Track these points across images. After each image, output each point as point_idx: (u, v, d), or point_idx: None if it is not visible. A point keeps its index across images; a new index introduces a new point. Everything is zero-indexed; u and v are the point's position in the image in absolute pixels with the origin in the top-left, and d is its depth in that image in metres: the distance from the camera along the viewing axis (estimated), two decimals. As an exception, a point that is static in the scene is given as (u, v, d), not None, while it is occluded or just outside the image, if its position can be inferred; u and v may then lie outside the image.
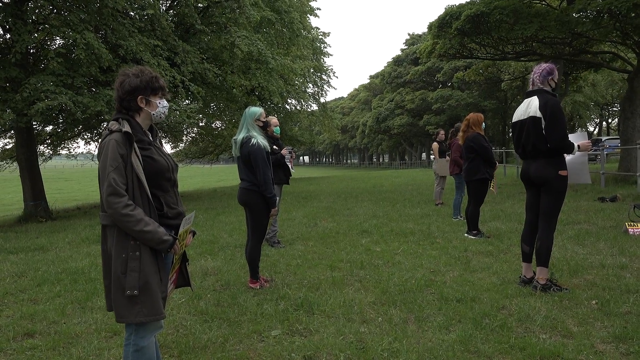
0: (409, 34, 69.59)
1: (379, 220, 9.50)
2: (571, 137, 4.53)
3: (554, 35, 15.27)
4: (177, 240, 2.59)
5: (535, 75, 4.58)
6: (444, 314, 3.93)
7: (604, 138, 36.41)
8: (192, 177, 50.87)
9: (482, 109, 48.12)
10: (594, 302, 4.08)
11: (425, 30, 25.36)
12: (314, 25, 28.88)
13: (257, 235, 4.84)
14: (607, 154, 22.56)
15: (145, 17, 13.64)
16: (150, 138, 2.68)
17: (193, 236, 2.89)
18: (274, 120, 7.11)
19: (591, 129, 62.64)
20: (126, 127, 2.50)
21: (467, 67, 34.55)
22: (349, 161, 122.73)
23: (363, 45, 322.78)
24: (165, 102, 2.70)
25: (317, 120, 33.71)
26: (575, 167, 4.68)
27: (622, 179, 14.30)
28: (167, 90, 2.87)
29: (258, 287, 4.81)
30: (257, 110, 4.91)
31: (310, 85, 31.53)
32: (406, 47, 65.60)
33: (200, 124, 23.89)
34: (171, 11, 16.96)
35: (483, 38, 16.73)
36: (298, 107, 30.62)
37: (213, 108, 22.61)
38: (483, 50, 18.60)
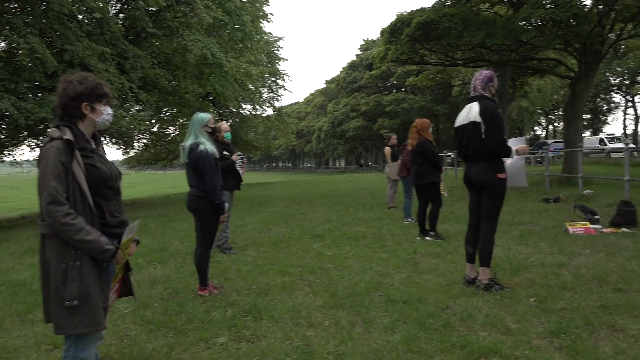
0: (363, 40, 70.40)
1: (332, 224, 9.58)
2: (510, 142, 4.71)
3: (500, 43, 15.75)
4: (119, 250, 2.56)
5: (477, 81, 4.74)
6: (390, 315, 4.01)
7: (549, 141, 37.78)
8: (145, 183, 49.87)
9: (435, 113, 49.19)
10: (532, 299, 4.25)
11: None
12: (267, 30, 28.85)
13: (206, 242, 4.81)
14: (552, 157, 23.42)
15: (94, 21, 13.33)
16: (93, 145, 2.64)
17: (137, 245, 2.86)
18: (224, 125, 7.08)
19: (539, 132, 64.94)
20: (68, 135, 2.46)
21: (420, 72, 35.26)
22: (305, 166, 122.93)
23: (319, 50, 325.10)
24: (109, 109, 2.67)
25: (273, 125, 33.62)
26: (514, 170, 4.87)
27: (566, 180, 14.87)
28: (112, 97, 2.84)
29: (207, 294, 4.78)
30: (205, 116, 4.89)
31: (265, 90, 31.46)
32: (361, 52, 66.36)
33: (153, 130, 23.49)
34: (121, 15, 16.63)
35: (433, 44, 17.12)
36: (253, 112, 30.49)
37: (166, 113, 22.25)
38: (433, 56, 19.04)
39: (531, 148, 37.36)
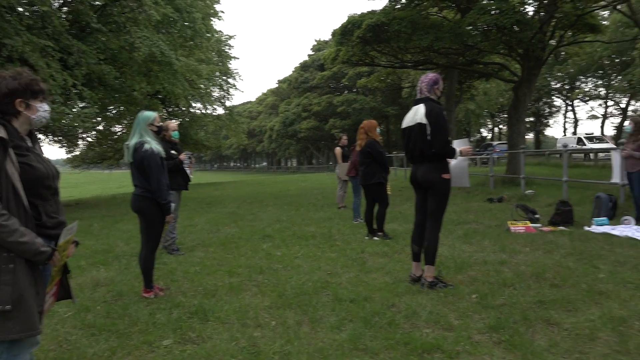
0: (315, 40, 70.78)
1: (282, 224, 9.57)
2: (454, 143, 4.85)
3: (448, 46, 16.14)
4: (56, 252, 2.48)
5: (422, 84, 4.85)
6: (337, 314, 4.05)
7: (494, 143, 39.01)
8: (90, 183, 48.36)
9: (385, 114, 49.94)
10: (474, 296, 4.38)
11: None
12: (218, 28, 28.51)
13: (151, 244, 4.72)
14: (496, 158, 24.20)
15: (36, 14, 12.79)
16: (29, 144, 2.54)
17: (76, 246, 2.77)
18: (172, 124, 6.97)
19: (485, 134, 66.96)
20: (1, 133, 2.36)
21: (371, 73, 35.72)
22: (257, 165, 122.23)
23: (271, 50, 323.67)
24: (46, 106, 2.57)
25: (224, 125, 33.24)
26: (457, 171, 5.01)
27: (509, 181, 15.38)
28: (50, 93, 2.74)
29: (152, 296, 4.69)
30: (150, 114, 4.79)
31: (216, 88, 31.08)
32: (313, 52, 66.61)
33: (99, 128, 22.79)
34: (65, 8, 16.03)
35: (383, 47, 17.37)
36: (203, 111, 30.07)
37: (112, 111, 21.61)
38: (384, 58, 19.31)
39: (477, 149, 38.57)
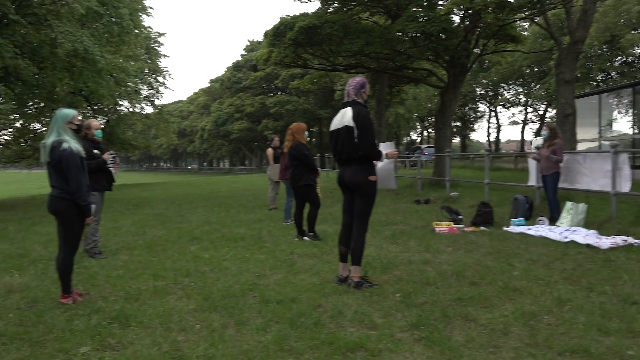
0: (248, 40, 70.24)
1: (212, 226, 9.43)
2: (381, 146, 4.97)
3: (378, 51, 16.48)
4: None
5: (350, 87, 4.94)
6: (263, 316, 4.04)
7: (423, 146, 40.23)
8: (6, 183, 45.58)
9: (318, 116, 50.33)
10: (398, 295, 4.50)
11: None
12: (147, 25, 27.71)
13: (69, 247, 4.52)
14: (424, 161, 24.96)
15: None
16: None
17: None
18: (95, 122, 6.71)
19: (415, 137, 68.95)
20: None
21: (304, 75, 35.89)
22: (188, 166, 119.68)
23: (203, 49, 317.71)
24: None
25: (153, 124, 32.37)
26: (384, 173, 5.15)
27: (436, 183, 15.90)
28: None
29: (70, 302, 4.48)
30: (69, 112, 4.59)
31: (145, 86, 30.20)
32: (246, 53, 66.08)
33: (16, 125, 21.55)
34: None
35: (316, 49, 17.47)
36: (131, 109, 29.12)
37: (31, 108, 20.48)
38: (316, 60, 19.43)
39: (406, 152, 39.62)
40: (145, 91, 30.16)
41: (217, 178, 41.26)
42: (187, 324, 3.92)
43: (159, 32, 30.90)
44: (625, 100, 19.67)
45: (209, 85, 78.71)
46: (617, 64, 38.69)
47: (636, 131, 18.15)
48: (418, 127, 65.49)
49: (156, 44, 30.69)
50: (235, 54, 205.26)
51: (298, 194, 7.80)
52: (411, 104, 44.45)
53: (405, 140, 65.94)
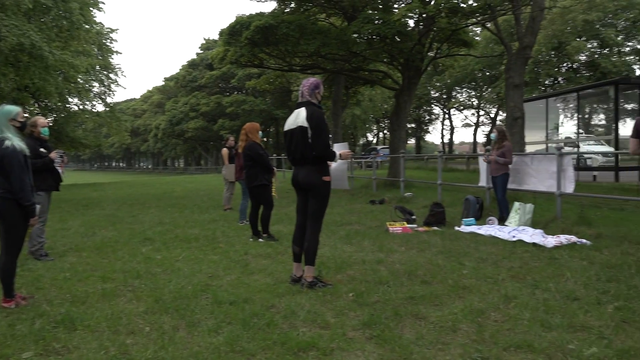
0: (204, 39, 69.31)
1: (165, 227, 9.26)
2: (334, 147, 5.00)
3: (335, 52, 16.60)
4: None
5: (304, 88, 4.95)
6: (215, 317, 3.99)
7: (379, 147, 40.72)
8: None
9: (275, 116, 50.19)
10: (351, 294, 4.54)
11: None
12: (99, 20, 26.98)
13: (11, 249, 4.34)
14: (380, 161, 25.27)
15: None
16: None
17: None
18: (41, 120, 6.48)
19: (371, 138, 69.66)
20: None
21: (260, 75, 35.75)
22: (141, 166, 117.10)
23: (157, 46, 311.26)
24: None
25: (105, 122, 31.51)
26: (337, 174, 5.19)
27: (390, 183, 16.12)
28: None
29: (13, 306, 4.31)
30: (13, 109, 4.42)
31: (96, 84, 29.39)
32: (202, 51, 65.26)
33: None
34: None
35: (272, 49, 17.43)
36: (82, 107, 28.27)
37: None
38: (272, 60, 19.40)
39: (362, 153, 39.97)
40: (96, 88, 29.36)
41: (171, 178, 40.57)
42: (137, 326, 3.84)
43: (110, 28, 30.09)
44: (571, 105, 20.48)
45: (163, 83, 77.26)
46: (563, 69, 40.24)
47: (581, 134, 18.92)
48: (374, 128, 66.24)
49: (108, 40, 29.91)
50: (191, 52, 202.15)
51: (252, 195, 7.76)
52: (367, 105, 44.89)
53: (361, 141, 66.55)
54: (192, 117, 59.34)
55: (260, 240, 7.59)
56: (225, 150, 11.67)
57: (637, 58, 40.08)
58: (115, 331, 3.73)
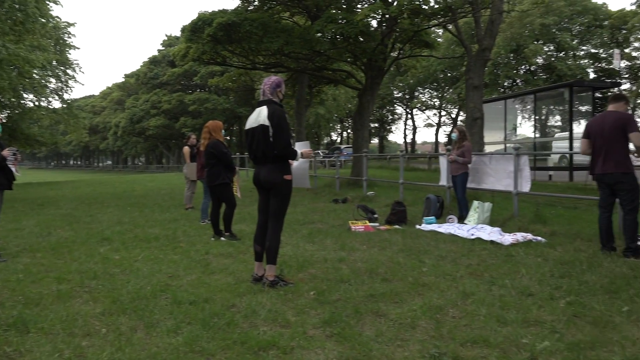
0: (166, 35, 68.21)
1: (124, 226, 9.08)
2: (296, 145, 5.00)
3: (298, 51, 16.57)
4: None
5: (266, 86, 4.93)
6: (174, 317, 3.94)
7: (342, 146, 40.93)
8: None
9: (238, 115, 49.81)
10: (312, 293, 4.55)
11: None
12: (55, 13, 26.18)
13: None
14: (343, 161, 25.42)
15: None
16: None
17: None
18: (-7, 117, 6.26)
19: (335, 138, 69.97)
20: None
21: (224, 73, 35.42)
22: (101, 164, 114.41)
23: (118, 42, 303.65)
24: None
25: (62, 119, 30.65)
26: (299, 173, 5.19)
27: (353, 182, 16.22)
28: None
29: (-39, 308, 4.15)
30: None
31: (53, 79, 28.55)
32: (163, 48, 64.19)
33: None
34: None
35: (235, 47, 17.27)
36: (37, 104, 27.41)
37: None
38: (235, 58, 19.21)
39: (326, 152, 40.09)
40: (53, 84, 28.53)
41: (131, 176, 39.77)
42: (93, 328, 3.75)
43: (68, 22, 29.27)
44: (528, 106, 21.03)
45: (123, 80, 75.64)
46: (521, 72, 41.33)
47: (537, 135, 19.46)
48: (338, 127, 66.56)
49: (65, 35, 29.08)
50: (152, 48, 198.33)
51: (214, 193, 7.69)
52: (331, 104, 45.07)
53: (325, 140, 66.77)
54: (153, 114, 58.28)
55: (222, 239, 7.53)
56: (186, 149, 11.51)
57: (591, 62, 41.56)
58: (70, 333, 3.63)
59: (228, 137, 58.18)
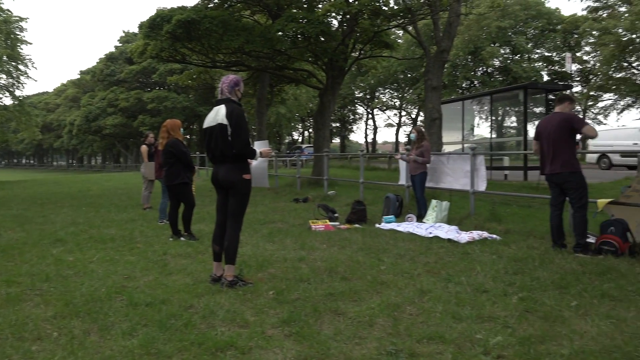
0: (123, 31, 66.64)
1: (78, 227, 8.84)
2: (255, 145, 4.98)
3: (259, 50, 16.47)
4: None
5: (224, 85, 4.89)
6: (130, 319, 3.86)
7: (303, 146, 40.95)
8: None
9: (198, 113, 49.17)
10: (271, 292, 4.54)
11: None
12: (6, 7, 25.28)
13: None
14: (304, 160, 25.43)
15: None
16: None
17: None
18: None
19: (296, 137, 69.93)
20: None
21: (183, 70, 34.85)
22: (55, 163, 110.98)
23: (73, 37, 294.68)
24: None
25: (13, 117, 29.60)
26: (258, 172, 5.17)
27: (315, 182, 16.26)
28: None
29: None
30: None
31: (3, 75, 27.55)
32: (120, 44, 62.73)
33: None
34: None
35: (194, 44, 17.05)
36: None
37: None
38: (195, 56, 18.96)
39: (287, 151, 40.01)
40: (3, 80, 27.52)
41: (87, 176, 38.75)
42: (44, 332, 3.63)
43: (20, 17, 28.27)
44: (485, 107, 21.53)
45: (79, 76, 73.54)
46: (479, 73, 42.29)
47: (494, 135, 19.95)
48: (299, 127, 66.55)
49: (17, 29, 28.06)
50: (109, 45, 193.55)
51: (173, 193, 7.57)
52: (292, 104, 44.99)
53: (287, 139, 66.66)
54: (110, 112, 56.87)
55: (182, 239, 7.42)
56: (144, 147, 11.26)
57: (545, 65, 42.87)
58: (20, 338, 3.51)
59: (188, 136, 57.37)
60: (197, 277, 5.17)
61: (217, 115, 4.74)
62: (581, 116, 43.64)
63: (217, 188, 4.97)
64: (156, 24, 15.91)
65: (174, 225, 7.60)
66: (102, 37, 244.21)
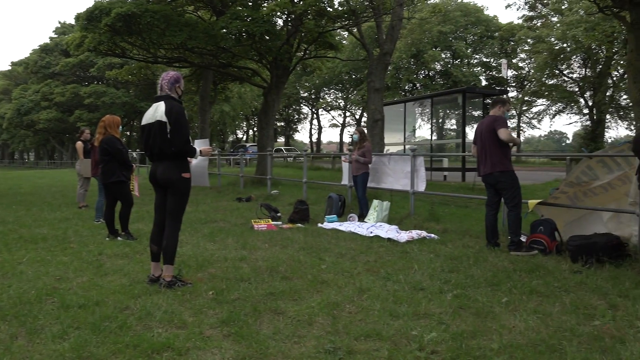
0: (59, 22, 63.96)
1: (7, 226, 8.42)
2: (195, 143, 4.90)
3: (202, 46, 16.20)
4: None
5: (164, 81, 4.79)
6: (61, 322, 3.72)
7: (247, 145, 40.65)
8: None
9: (139, 110, 47.80)
10: (210, 292, 4.49)
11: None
12: None
13: None
14: (248, 159, 25.23)
15: None
16: None
17: None
18: None
19: (241, 135, 69.26)
20: None
21: (123, 65, 33.81)
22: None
23: (4, 26, 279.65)
24: None
25: (-64, 108, 27.77)
26: (198, 171, 5.10)
27: (258, 181, 16.15)
28: None
29: None
30: None
31: None
32: (56, 35, 60.06)
33: None
34: None
35: (135, 39, 16.57)
36: None
37: None
38: (135, 51, 18.44)
39: (231, 150, 39.60)
40: None
41: (18, 173, 36.96)
42: (-34, 337, 3.45)
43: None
44: (427, 110, 22.11)
45: (10, 68, 69.85)
46: (421, 76, 43.34)
47: (434, 137, 20.50)
48: (243, 125, 65.97)
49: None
50: (44, 35, 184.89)
51: (109, 191, 7.34)
52: (236, 102, 44.58)
53: (230, 138, 65.93)
54: (44, 106, 54.28)
55: (119, 239, 7.21)
56: (79, 144, 10.83)
57: (483, 70, 44.45)
58: (-62, 344, 3.32)
59: (128, 133, 55.74)
60: (134, 278, 5.04)
61: (156, 112, 4.64)
62: (515, 120, 45.66)
63: (155, 186, 4.87)
64: (94, 17, 15.33)
65: (110, 224, 7.36)
66: (36, 27, 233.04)
